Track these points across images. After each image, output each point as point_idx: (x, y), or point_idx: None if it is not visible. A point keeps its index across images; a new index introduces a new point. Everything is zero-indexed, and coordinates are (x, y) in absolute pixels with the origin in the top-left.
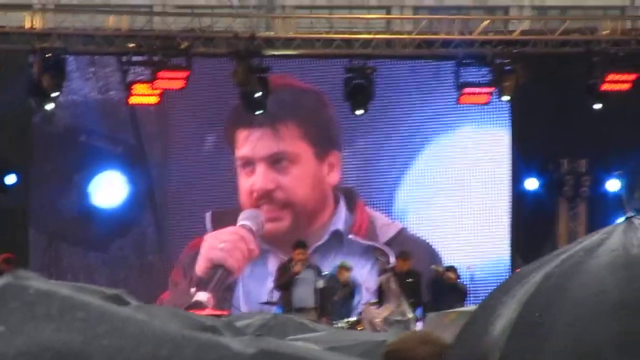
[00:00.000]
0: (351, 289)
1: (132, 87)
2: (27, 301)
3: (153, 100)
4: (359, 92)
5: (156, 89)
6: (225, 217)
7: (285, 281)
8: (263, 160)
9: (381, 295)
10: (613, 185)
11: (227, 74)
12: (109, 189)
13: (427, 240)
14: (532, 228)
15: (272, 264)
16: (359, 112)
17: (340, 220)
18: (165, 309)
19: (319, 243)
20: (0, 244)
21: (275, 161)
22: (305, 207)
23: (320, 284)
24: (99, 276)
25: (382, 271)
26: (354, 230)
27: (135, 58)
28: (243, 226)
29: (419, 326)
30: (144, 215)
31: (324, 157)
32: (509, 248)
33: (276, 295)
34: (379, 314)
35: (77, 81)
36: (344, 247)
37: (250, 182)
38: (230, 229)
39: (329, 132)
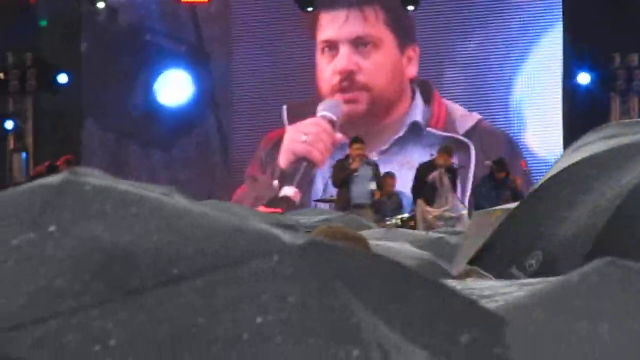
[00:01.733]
0: (398, 199)
1: None
2: (83, 198)
3: None
4: None
5: None
6: (302, 110)
7: (342, 177)
8: (347, 41)
9: (433, 192)
10: None
11: None
12: (174, 88)
13: (506, 132)
14: (584, 122)
15: None
16: (410, 7)
17: (418, 111)
18: (238, 206)
19: (398, 135)
20: (58, 144)
21: (360, 44)
22: (383, 95)
23: (373, 185)
24: (162, 176)
25: (431, 166)
26: (432, 123)
27: None
28: (323, 117)
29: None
30: (208, 115)
31: (404, 48)
32: (562, 142)
33: (332, 192)
34: (433, 211)
35: None
36: (422, 139)
37: (332, 65)
38: (311, 120)
39: (410, 25)
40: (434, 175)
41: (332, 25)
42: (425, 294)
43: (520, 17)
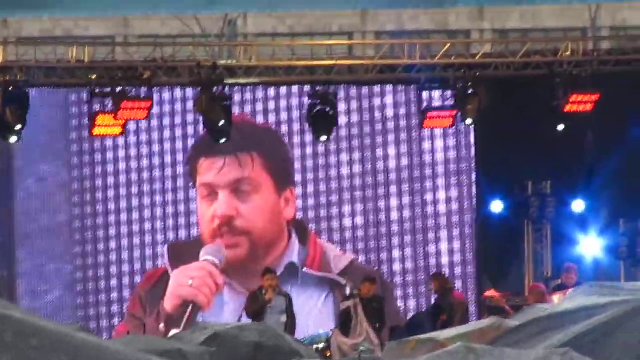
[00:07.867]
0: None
1: (95, 118)
2: None
3: (117, 130)
4: (322, 119)
5: (119, 119)
6: (184, 250)
7: (256, 309)
8: (226, 186)
9: (347, 321)
10: (578, 206)
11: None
12: None
13: (377, 269)
14: (498, 250)
15: (228, 295)
16: (322, 138)
17: (294, 252)
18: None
19: None
20: None
21: (238, 188)
22: (262, 237)
23: (284, 318)
24: None
25: (348, 296)
26: (307, 263)
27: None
28: (206, 261)
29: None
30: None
31: (281, 191)
32: (475, 270)
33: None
34: (348, 341)
35: None
36: (299, 279)
37: (212, 209)
38: (196, 264)
39: (286, 168)
40: (347, 304)
41: (211, 170)
42: None
43: (431, 147)
